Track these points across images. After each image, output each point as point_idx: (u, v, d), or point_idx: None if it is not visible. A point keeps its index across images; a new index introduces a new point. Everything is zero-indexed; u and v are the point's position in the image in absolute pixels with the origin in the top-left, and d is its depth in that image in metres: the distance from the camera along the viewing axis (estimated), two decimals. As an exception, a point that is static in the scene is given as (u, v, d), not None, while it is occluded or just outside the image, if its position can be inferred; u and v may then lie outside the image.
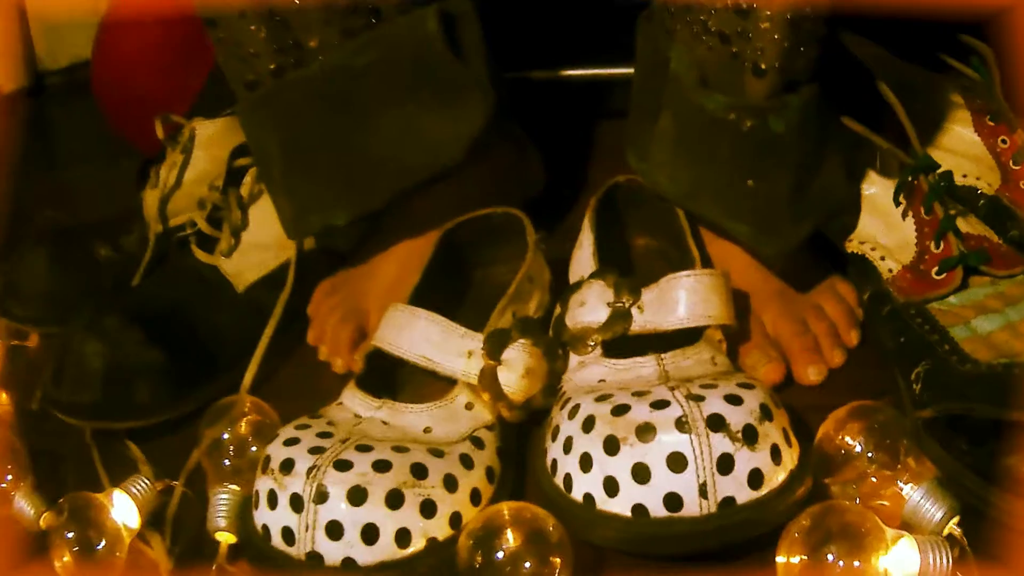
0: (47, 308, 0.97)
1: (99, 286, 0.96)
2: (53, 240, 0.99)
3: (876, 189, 0.81)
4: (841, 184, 0.79)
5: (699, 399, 0.63)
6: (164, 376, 0.83)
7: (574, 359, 0.74)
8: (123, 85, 1.10)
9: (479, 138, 0.82)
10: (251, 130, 0.85)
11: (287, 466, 0.65)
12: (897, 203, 0.79)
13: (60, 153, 1.40)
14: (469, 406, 0.72)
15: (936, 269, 0.77)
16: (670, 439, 0.62)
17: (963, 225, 0.78)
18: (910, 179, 0.78)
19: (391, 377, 0.77)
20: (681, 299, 0.72)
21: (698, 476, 0.61)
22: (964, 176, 0.85)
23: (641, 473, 0.62)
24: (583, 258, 0.78)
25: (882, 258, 0.80)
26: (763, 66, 0.72)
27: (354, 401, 0.73)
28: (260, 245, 0.90)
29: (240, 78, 0.82)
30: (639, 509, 0.62)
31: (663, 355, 0.71)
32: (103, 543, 0.70)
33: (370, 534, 0.63)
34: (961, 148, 0.86)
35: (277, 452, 0.66)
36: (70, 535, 0.70)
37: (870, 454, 0.66)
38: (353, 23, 0.80)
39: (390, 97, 0.81)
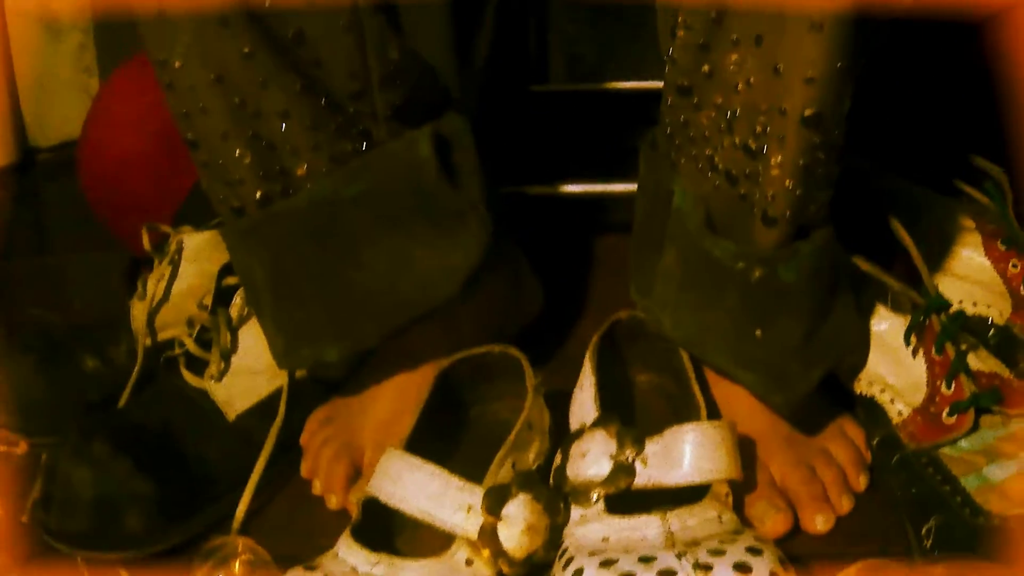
0: (34, 419, 0.95)
1: (86, 400, 0.94)
2: (40, 349, 0.97)
3: (886, 326, 0.79)
4: (852, 325, 0.77)
5: (707, 568, 0.61)
6: (154, 506, 0.81)
7: (576, 511, 0.72)
8: (110, 186, 1.08)
9: (475, 270, 0.80)
10: (238, 257, 0.82)
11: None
12: (908, 342, 0.77)
13: (50, 234, 1.38)
14: (469, 562, 0.70)
15: (947, 411, 0.75)
16: (678, 611, 0.60)
17: (974, 362, 0.76)
18: (922, 319, 0.76)
19: (388, 522, 0.75)
20: (686, 453, 0.70)
21: (706, 651, 0.60)
22: (974, 304, 0.83)
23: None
24: (584, 401, 0.76)
25: (891, 400, 0.78)
26: (773, 215, 0.69)
27: (350, 554, 0.71)
28: (251, 370, 0.87)
29: (225, 202, 0.79)
30: None
31: (668, 514, 0.69)
32: None
33: None
34: (971, 273, 0.85)
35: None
36: None
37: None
38: (342, 148, 0.77)
39: (381, 228, 0.78)
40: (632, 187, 0.83)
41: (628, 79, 1.08)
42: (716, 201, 0.72)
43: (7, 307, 1.13)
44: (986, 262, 0.85)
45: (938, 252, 0.84)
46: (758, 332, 0.73)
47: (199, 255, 0.92)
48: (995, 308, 0.83)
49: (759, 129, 0.68)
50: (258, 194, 0.77)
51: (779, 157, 0.68)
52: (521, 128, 0.99)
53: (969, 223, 0.85)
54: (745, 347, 0.74)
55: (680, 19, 0.69)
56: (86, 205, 1.20)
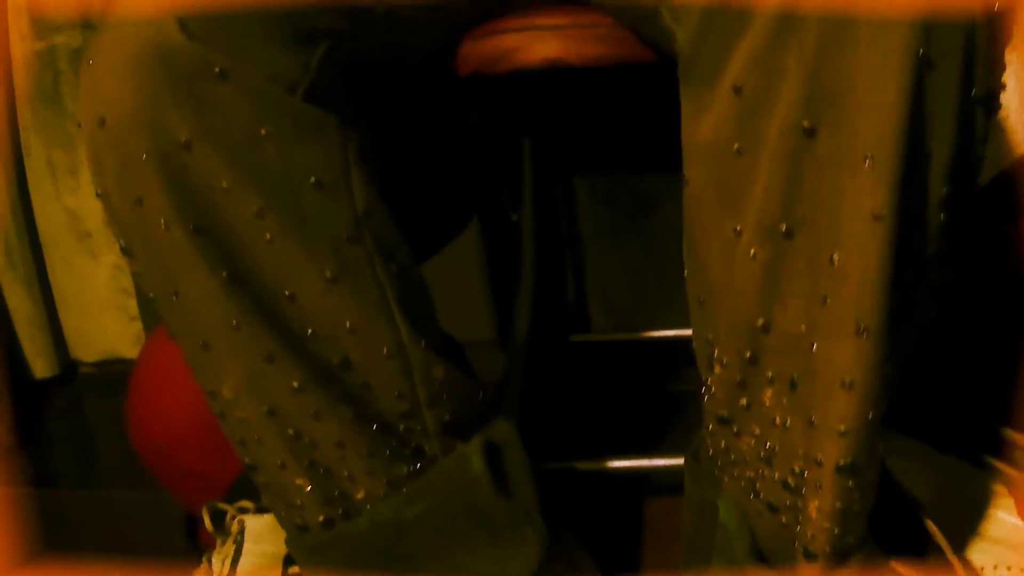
0: None
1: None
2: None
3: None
4: None
5: None
6: None
7: None
8: (162, 457, 1.11)
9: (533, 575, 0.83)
10: (305, 565, 0.86)
11: None
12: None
13: (98, 457, 1.41)
14: None
15: None
16: None
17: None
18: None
19: None
20: None
21: None
22: (1008, 568, 0.86)
23: None
24: None
25: None
26: (814, 551, 0.73)
27: None
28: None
29: (288, 519, 0.83)
30: None
31: None
32: None
33: None
34: (1004, 535, 0.87)
35: None
36: None
37: None
38: (398, 472, 0.81)
39: (442, 545, 0.82)
40: (678, 461, 0.86)
41: (668, 325, 1.11)
42: (760, 526, 0.75)
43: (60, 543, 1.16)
44: (1020, 522, 0.87)
45: (969, 517, 0.87)
46: None
47: (262, 537, 0.95)
48: (1031, 571, 0.86)
49: (796, 470, 0.71)
50: (320, 517, 0.81)
51: (816, 502, 0.71)
52: (564, 382, 1.03)
53: (1001, 488, 0.88)
54: None
55: (716, 354, 0.73)
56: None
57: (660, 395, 0.90)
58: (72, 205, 1.46)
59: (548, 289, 0.93)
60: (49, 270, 1.49)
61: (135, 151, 0.72)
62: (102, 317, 1.46)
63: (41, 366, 1.49)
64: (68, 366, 1.51)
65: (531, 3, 0.88)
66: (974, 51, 0.61)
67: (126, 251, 0.77)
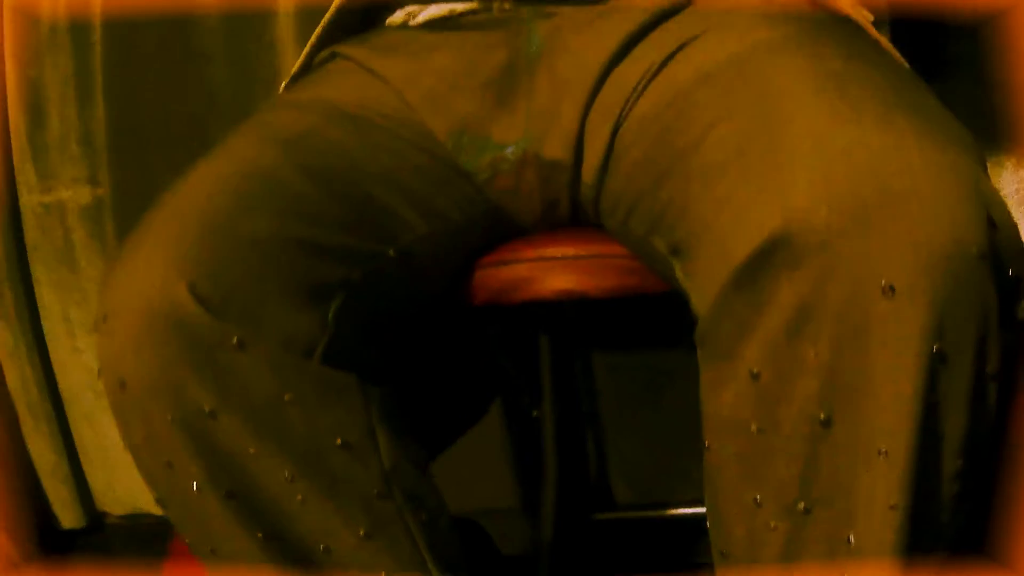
0: None
1: None
2: None
3: None
4: None
5: None
6: None
7: None
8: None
9: None
10: None
11: None
12: None
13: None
14: None
15: None
16: None
17: None
18: None
19: None
20: None
21: None
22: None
23: None
24: None
25: None
26: None
27: None
28: None
29: None
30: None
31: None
32: None
33: None
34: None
35: None
36: None
37: None
38: None
39: None
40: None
41: (690, 496, 1.11)
42: None
43: None
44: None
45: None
46: None
47: None
48: None
49: None
50: None
51: None
52: (590, 560, 1.04)
53: None
54: None
55: None
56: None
57: (684, 568, 0.91)
58: (91, 363, 1.47)
59: (570, 467, 0.94)
60: (71, 424, 1.50)
61: (160, 416, 0.73)
62: (126, 473, 1.47)
63: (68, 517, 1.50)
64: (95, 517, 1.52)
65: (541, 228, 0.89)
66: (988, 336, 0.63)
67: (161, 503, 0.79)
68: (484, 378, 1.01)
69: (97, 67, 1.41)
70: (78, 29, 1.41)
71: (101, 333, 0.76)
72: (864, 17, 0.83)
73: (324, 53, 0.97)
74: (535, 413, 1.00)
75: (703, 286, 0.69)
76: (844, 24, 0.82)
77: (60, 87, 1.44)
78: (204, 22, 1.38)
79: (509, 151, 0.86)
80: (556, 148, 0.85)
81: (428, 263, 0.85)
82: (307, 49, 0.97)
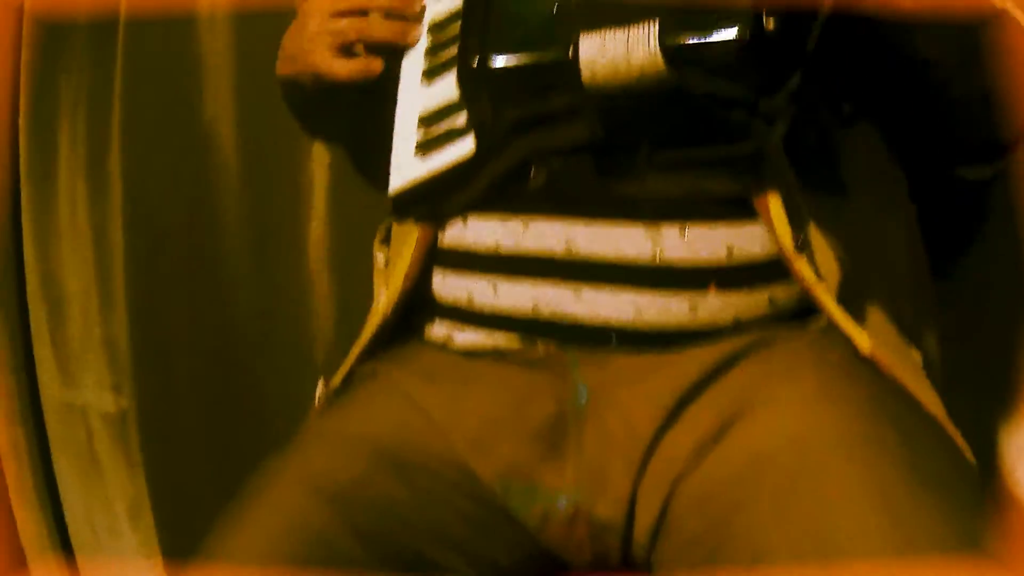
0: None
1: None
2: None
3: None
4: None
5: None
6: None
7: None
8: None
9: None
10: None
11: None
12: None
13: None
14: None
15: None
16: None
17: None
18: None
19: None
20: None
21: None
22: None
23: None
24: None
25: None
26: None
27: None
28: None
29: None
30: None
31: None
32: None
33: None
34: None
35: None
36: None
37: None
38: None
39: None
40: None
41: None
42: None
43: None
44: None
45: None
46: None
47: None
48: None
49: None
50: None
51: None
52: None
53: None
54: None
55: None
56: None
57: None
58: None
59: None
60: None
61: None
62: None
63: None
64: None
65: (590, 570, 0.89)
66: None
67: None
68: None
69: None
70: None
71: None
72: None
73: (366, 367, 0.96)
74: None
75: None
76: (901, 399, 0.82)
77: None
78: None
79: (561, 504, 0.86)
80: (608, 508, 0.84)
81: None
82: (346, 366, 0.97)
